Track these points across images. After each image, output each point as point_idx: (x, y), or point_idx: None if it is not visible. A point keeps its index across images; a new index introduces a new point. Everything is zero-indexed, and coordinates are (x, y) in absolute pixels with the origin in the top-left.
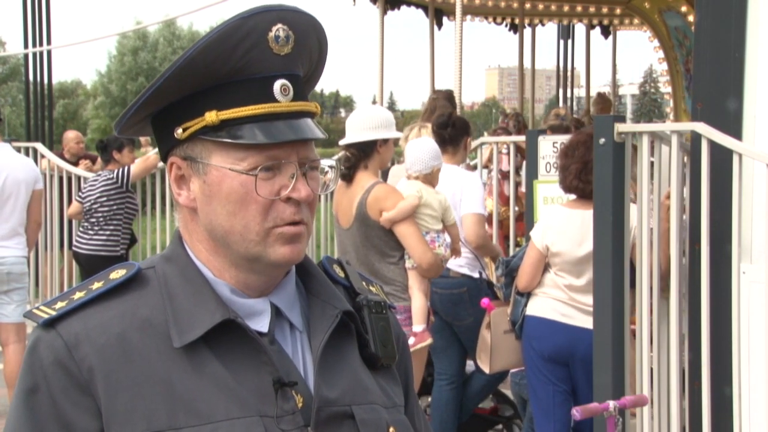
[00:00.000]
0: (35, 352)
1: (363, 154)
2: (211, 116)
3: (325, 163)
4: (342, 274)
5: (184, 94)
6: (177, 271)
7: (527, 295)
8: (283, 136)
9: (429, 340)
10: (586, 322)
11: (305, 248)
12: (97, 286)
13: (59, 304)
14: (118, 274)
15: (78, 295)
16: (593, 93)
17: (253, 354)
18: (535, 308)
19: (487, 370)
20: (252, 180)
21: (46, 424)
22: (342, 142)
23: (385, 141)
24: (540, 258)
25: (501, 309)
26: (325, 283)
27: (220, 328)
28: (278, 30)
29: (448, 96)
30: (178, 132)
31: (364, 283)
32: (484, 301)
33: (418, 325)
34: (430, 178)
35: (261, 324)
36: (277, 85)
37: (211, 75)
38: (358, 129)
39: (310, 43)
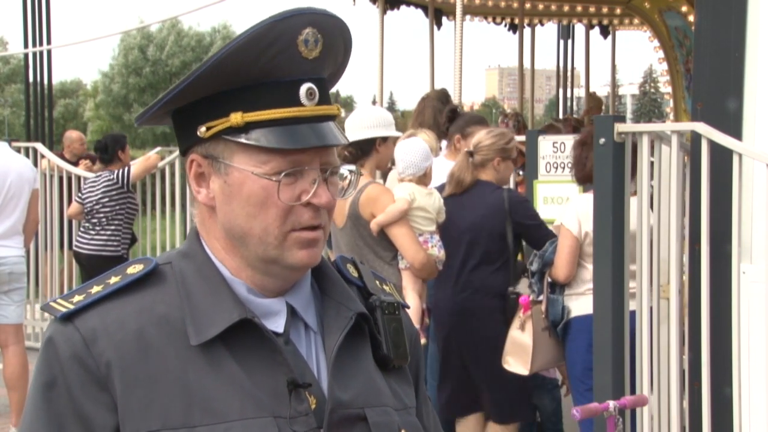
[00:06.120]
0: (52, 345)
1: (361, 152)
2: (237, 118)
3: (345, 168)
4: (355, 274)
5: (210, 93)
6: (194, 269)
7: (562, 293)
8: (307, 142)
9: (422, 342)
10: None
11: (322, 252)
12: (114, 280)
13: (77, 298)
14: (135, 269)
15: (96, 289)
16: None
17: (269, 354)
18: (582, 307)
19: (526, 372)
20: (273, 184)
21: (64, 418)
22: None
23: (384, 140)
24: (577, 246)
25: (536, 307)
26: (339, 283)
27: (237, 327)
28: (308, 34)
29: (440, 96)
30: (201, 130)
31: (377, 282)
32: (523, 299)
33: None
34: (424, 179)
35: (277, 324)
36: (303, 89)
37: (238, 77)
38: (356, 128)
39: (336, 46)
